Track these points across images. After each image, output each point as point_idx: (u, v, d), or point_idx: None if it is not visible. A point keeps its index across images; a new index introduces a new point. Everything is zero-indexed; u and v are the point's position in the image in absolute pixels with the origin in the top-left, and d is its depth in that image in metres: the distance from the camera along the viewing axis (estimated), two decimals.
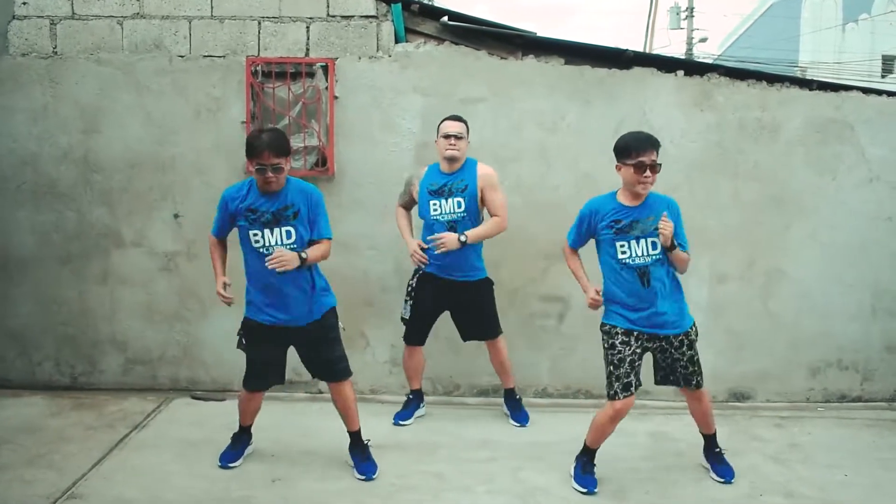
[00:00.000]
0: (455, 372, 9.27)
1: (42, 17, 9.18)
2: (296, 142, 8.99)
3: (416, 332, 8.52)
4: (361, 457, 7.40)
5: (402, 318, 8.52)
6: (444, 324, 8.68)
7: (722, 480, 7.27)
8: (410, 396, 8.79)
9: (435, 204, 8.19)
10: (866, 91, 9.49)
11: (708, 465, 7.49)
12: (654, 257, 6.87)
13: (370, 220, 9.06)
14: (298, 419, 8.06)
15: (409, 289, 8.43)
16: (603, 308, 7.15)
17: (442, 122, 8.25)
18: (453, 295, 8.37)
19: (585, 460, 7.23)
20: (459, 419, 8.75)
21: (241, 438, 7.61)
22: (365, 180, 9.05)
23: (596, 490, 7.05)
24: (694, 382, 7.09)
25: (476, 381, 9.40)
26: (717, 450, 7.47)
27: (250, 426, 7.63)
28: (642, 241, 6.86)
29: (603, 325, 7.11)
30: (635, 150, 6.74)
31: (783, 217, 9.32)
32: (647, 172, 6.70)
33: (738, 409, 9.30)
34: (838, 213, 9.34)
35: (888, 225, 9.38)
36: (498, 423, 8.64)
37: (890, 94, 9.47)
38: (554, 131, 9.11)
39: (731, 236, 9.26)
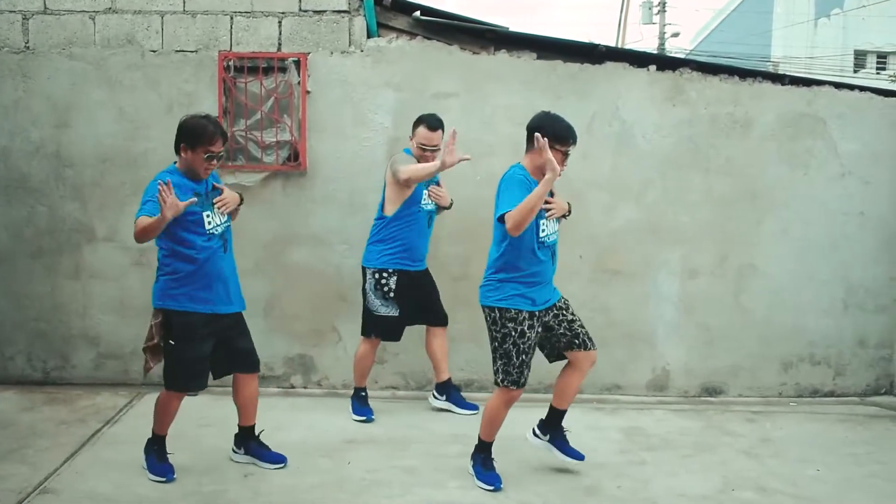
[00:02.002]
0: (427, 366, 9.21)
1: (14, 11, 9.15)
2: (268, 136, 9.07)
3: (397, 331, 8.56)
4: (265, 447, 7.42)
5: (375, 313, 8.44)
6: None
7: (577, 460, 7.29)
8: (364, 394, 8.81)
9: (426, 193, 8.34)
10: (838, 86, 9.55)
11: (554, 447, 7.40)
12: (557, 234, 7.05)
13: (342, 214, 9.07)
14: (270, 414, 8.06)
15: (387, 290, 8.32)
16: (495, 290, 6.98)
17: (419, 125, 8.24)
18: (419, 284, 8.50)
19: (484, 456, 7.21)
20: (431, 414, 8.80)
21: (164, 449, 7.30)
22: (337, 175, 9.06)
23: (502, 486, 7.05)
24: (590, 338, 7.16)
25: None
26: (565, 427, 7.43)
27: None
28: (551, 220, 6.99)
29: (507, 310, 6.87)
30: (573, 140, 6.90)
31: (755, 212, 9.37)
32: (564, 162, 6.89)
33: (710, 404, 9.33)
34: (810, 209, 9.38)
35: (860, 220, 9.43)
36: (470, 417, 8.64)
37: (862, 88, 9.52)
38: (525, 126, 9.11)
39: (703, 231, 9.29)
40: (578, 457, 7.30)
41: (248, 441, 7.45)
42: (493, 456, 7.21)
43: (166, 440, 7.28)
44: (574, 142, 6.90)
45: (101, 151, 9.19)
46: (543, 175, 6.65)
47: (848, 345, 9.61)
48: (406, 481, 7.16)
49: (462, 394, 9.03)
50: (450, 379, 8.87)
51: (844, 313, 9.55)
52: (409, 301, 8.41)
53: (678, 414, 8.93)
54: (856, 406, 9.44)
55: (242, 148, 9.04)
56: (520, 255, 6.88)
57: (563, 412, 7.36)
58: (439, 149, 8.04)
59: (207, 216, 6.79)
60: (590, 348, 7.13)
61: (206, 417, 8.12)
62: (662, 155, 9.22)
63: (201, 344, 6.93)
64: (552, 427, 7.39)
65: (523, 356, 6.89)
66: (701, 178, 9.25)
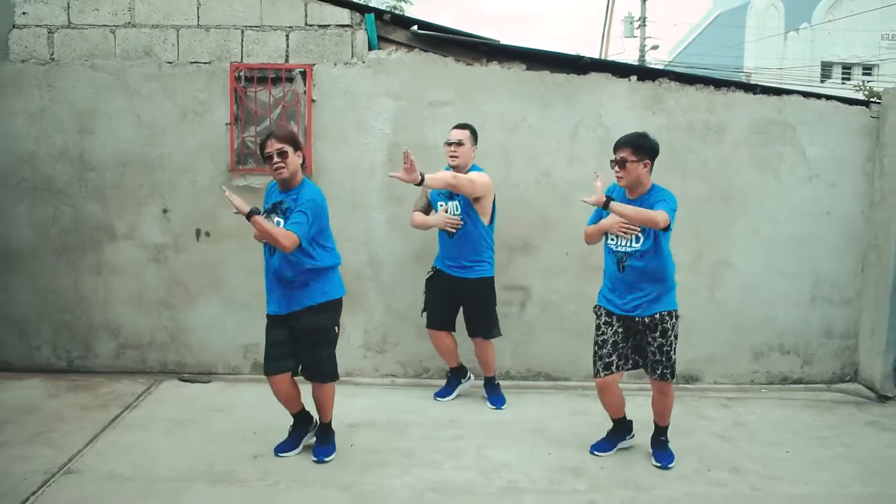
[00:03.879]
0: (424, 356, 9.28)
1: (40, 26, 9.15)
2: None
3: (431, 318, 8.64)
4: (320, 442, 7.44)
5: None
6: (412, 312, 8.84)
7: (659, 465, 7.27)
8: (450, 374, 8.94)
9: (441, 205, 8.38)
10: (806, 95, 9.53)
11: (650, 450, 7.46)
12: (634, 249, 6.99)
13: (345, 213, 9.04)
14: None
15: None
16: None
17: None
18: (457, 290, 8.46)
19: (610, 429, 7.67)
20: (428, 400, 8.78)
21: (296, 429, 7.49)
22: (340, 177, 9.05)
23: (609, 452, 7.50)
24: (658, 371, 7.10)
25: (444, 364, 9.33)
26: (664, 438, 7.45)
27: (299, 412, 7.49)
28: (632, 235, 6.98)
29: (595, 306, 7.35)
30: (614, 148, 6.95)
31: (729, 212, 9.37)
32: (616, 168, 6.86)
33: (687, 390, 9.32)
34: (780, 209, 9.38)
35: (827, 219, 9.43)
36: (464, 403, 8.67)
37: (828, 97, 9.52)
38: (515, 132, 9.13)
39: (681, 230, 9.19)
40: (659, 461, 7.34)
41: (318, 432, 7.51)
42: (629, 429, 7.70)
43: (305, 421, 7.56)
44: (616, 149, 6.98)
45: (121, 156, 9.17)
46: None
47: (815, 335, 9.62)
48: (404, 462, 7.19)
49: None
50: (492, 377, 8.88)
51: (812, 306, 9.55)
52: (435, 293, 8.58)
53: None
54: (822, 392, 9.45)
55: (252, 153, 9.02)
56: (604, 259, 7.28)
57: (658, 427, 7.50)
58: (463, 144, 8.23)
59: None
60: (650, 374, 7.22)
61: (217, 403, 8.12)
62: None
63: (270, 334, 7.15)
64: (652, 439, 7.53)
65: (596, 347, 7.23)
66: (678, 181, 9.23)
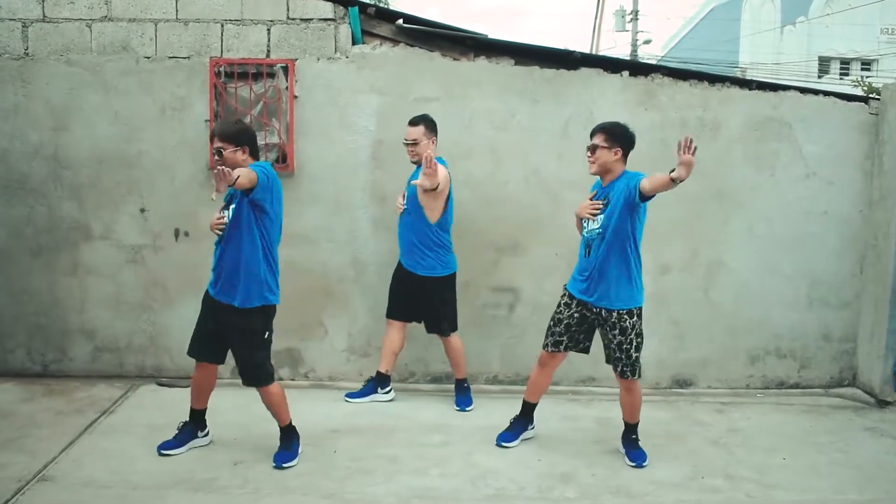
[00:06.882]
0: (410, 360, 9.27)
1: (14, 19, 9.10)
2: (257, 139, 9.02)
3: (389, 303, 8.73)
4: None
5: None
6: None
7: (633, 464, 7.37)
8: (373, 378, 8.94)
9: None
10: (803, 91, 9.53)
11: (623, 450, 7.57)
12: (595, 232, 7.19)
13: (328, 213, 9.06)
14: (260, 405, 8.02)
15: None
16: None
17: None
18: (412, 284, 8.51)
19: (516, 418, 7.90)
20: (414, 405, 8.77)
21: (188, 426, 7.55)
22: (323, 175, 9.03)
23: (513, 443, 7.71)
24: (618, 369, 7.25)
25: (430, 368, 9.40)
26: (634, 437, 7.55)
27: (201, 411, 7.56)
28: (598, 217, 7.19)
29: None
30: (591, 133, 7.28)
31: (723, 211, 9.36)
32: (588, 153, 7.21)
33: (680, 395, 9.34)
34: (776, 208, 9.38)
35: (824, 219, 9.43)
36: (451, 408, 8.65)
37: (826, 93, 9.52)
38: (504, 129, 9.11)
39: (674, 229, 9.28)
40: (632, 461, 7.45)
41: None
42: (532, 419, 7.94)
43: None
44: (592, 134, 7.32)
45: (98, 153, 9.13)
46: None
47: (812, 338, 9.61)
48: (389, 469, 7.17)
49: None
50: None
51: (809, 308, 9.55)
52: (393, 283, 8.69)
53: (650, 405, 8.87)
54: (820, 397, 9.45)
55: None
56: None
57: (627, 425, 7.63)
58: (418, 142, 8.28)
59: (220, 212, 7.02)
60: (613, 370, 7.42)
61: None
62: (635, 157, 9.18)
63: (201, 315, 7.27)
64: (623, 437, 7.67)
65: (551, 322, 7.55)
66: None
